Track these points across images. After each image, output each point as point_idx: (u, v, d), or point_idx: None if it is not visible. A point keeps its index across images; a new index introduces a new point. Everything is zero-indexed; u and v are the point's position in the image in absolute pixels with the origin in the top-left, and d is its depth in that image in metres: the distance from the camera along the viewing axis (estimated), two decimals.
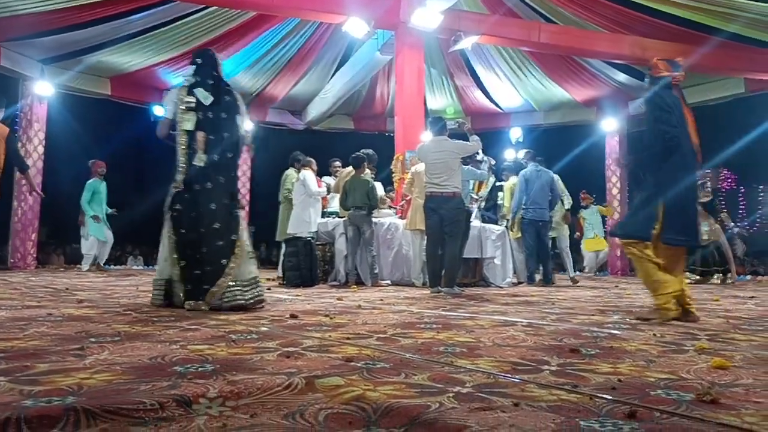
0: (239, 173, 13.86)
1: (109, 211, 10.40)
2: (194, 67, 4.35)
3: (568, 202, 9.36)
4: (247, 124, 4.49)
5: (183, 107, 4.14)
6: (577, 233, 12.69)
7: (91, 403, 1.46)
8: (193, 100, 4.15)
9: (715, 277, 9.35)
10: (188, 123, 4.11)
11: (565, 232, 9.35)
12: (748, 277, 12.01)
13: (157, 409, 1.47)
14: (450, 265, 6.26)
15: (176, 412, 1.47)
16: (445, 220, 6.23)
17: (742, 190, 26.16)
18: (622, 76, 12.56)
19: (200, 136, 4.10)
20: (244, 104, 4.46)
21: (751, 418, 1.50)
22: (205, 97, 4.19)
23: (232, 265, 4.03)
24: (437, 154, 6.36)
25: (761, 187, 26.09)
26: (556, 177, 8.83)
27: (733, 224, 9.90)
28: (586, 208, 12.78)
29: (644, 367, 2.16)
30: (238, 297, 4.01)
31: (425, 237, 7.31)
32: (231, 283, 3.99)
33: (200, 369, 1.95)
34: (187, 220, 4.06)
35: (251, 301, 4.10)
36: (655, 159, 3.81)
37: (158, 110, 12.52)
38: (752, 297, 6.21)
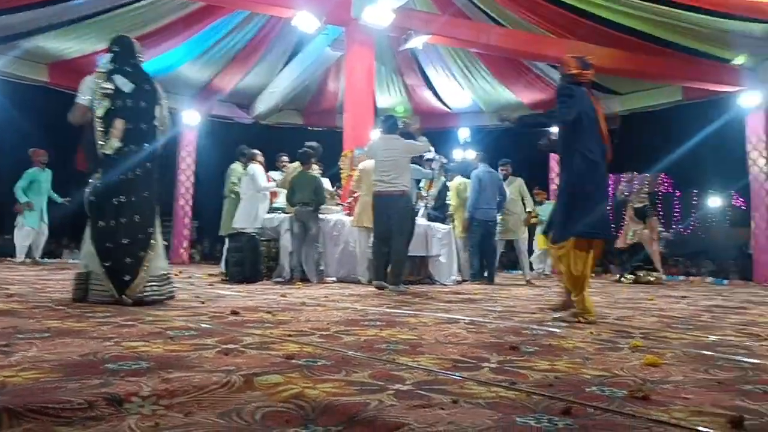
0: (183, 166, 13.73)
1: (60, 200, 10.04)
2: (111, 54, 4.26)
3: (530, 205, 9.52)
4: (165, 113, 4.37)
5: (100, 93, 4.04)
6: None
7: (15, 402, 1.40)
8: (111, 86, 4.06)
9: (642, 274, 9.36)
10: (103, 110, 4.03)
11: (523, 234, 9.45)
12: (681, 277, 12.48)
13: (86, 408, 1.41)
14: (396, 263, 6.28)
15: (106, 411, 1.42)
16: (393, 218, 6.25)
17: (678, 194, 27.16)
18: None
19: (119, 123, 4.02)
20: (164, 94, 4.38)
21: (680, 413, 1.55)
22: (124, 84, 4.11)
23: (149, 257, 3.98)
24: (387, 152, 6.35)
25: (695, 191, 27.15)
26: (519, 180, 9.05)
27: (662, 228, 10.21)
28: (540, 204, 12.67)
29: (580, 365, 2.21)
30: (156, 292, 3.98)
31: (372, 234, 7.33)
32: (149, 277, 3.95)
33: (134, 366, 1.89)
34: (109, 210, 3.97)
35: (166, 296, 4.08)
36: (564, 143, 3.95)
37: None
38: (684, 297, 6.45)
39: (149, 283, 3.93)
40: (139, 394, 1.54)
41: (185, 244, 14.11)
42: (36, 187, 9.81)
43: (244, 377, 1.76)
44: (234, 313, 3.55)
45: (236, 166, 8.77)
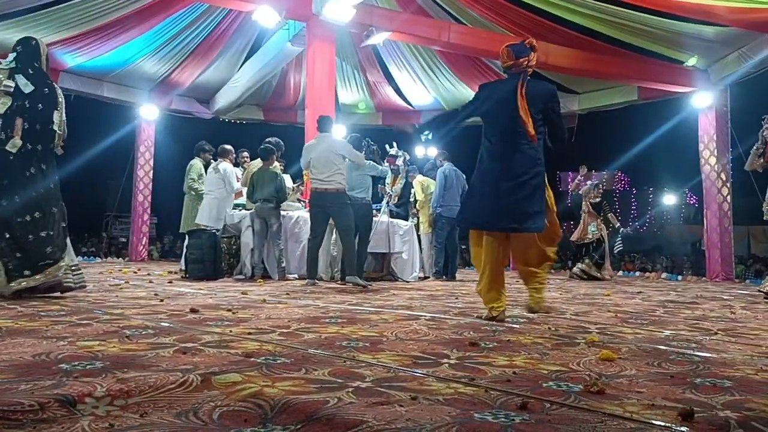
0: (141, 161, 13.46)
1: None
2: (14, 54, 4.28)
3: None
4: (64, 119, 4.41)
5: (2, 91, 4.09)
6: None
7: None
8: (12, 84, 4.10)
9: (585, 263, 9.35)
10: (3, 107, 4.08)
11: None
12: (637, 273, 12.78)
13: (37, 410, 1.38)
14: (349, 257, 6.47)
15: (58, 412, 1.39)
16: (332, 215, 6.50)
17: (634, 192, 27.80)
18: None
19: (19, 122, 4.07)
20: (62, 99, 4.41)
21: (633, 407, 1.59)
22: (25, 85, 4.15)
23: (59, 253, 4.17)
24: (321, 151, 6.50)
25: (651, 189, 27.83)
26: None
27: (619, 224, 10.40)
28: None
29: (538, 360, 2.25)
30: (69, 280, 4.20)
31: (333, 231, 7.31)
32: (62, 267, 4.13)
33: (88, 366, 1.86)
34: (7, 206, 4.03)
35: (77, 285, 4.28)
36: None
37: None
38: (640, 292, 6.61)
39: (65, 273, 4.14)
40: (93, 395, 1.51)
41: (144, 240, 13.84)
42: None
43: (201, 376, 1.74)
44: (193, 311, 3.50)
45: (196, 162, 8.64)
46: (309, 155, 6.60)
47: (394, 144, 9.16)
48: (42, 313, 3.20)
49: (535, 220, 3.68)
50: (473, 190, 3.88)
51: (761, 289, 5.33)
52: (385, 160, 9.08)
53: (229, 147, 8.10)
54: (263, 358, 2.10)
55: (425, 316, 3.66)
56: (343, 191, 6.50)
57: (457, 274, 8.76)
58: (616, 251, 10.47)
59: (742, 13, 8.60)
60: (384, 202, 8.56)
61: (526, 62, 3.83)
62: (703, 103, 10.79)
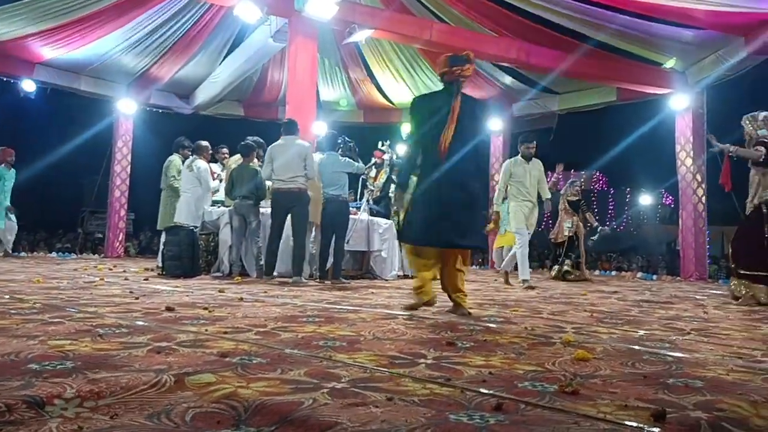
0: (119, 156, 13.30)
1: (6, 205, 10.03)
2: None
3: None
4: None
5: None
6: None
7: None
8: None
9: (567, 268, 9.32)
10: None
11: None
12: (614, 272, 12.90)
13: (4, 412, 1.35)
14: (297, 257, 6.67)
15: (26, 414, 1.36)
16: (291, 213, 6.68)
17: (612, 192, 28.09)
18: (508, 79, 13.05)
19: None
20: None
21: (606, 408, 1.60)
22: None
23: None
24: (284, 152, 6.66)
25: (628, 189, 28.13)
26: None
27: (597, 224, 10.39)
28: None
29: (514, 360, 2.26)
30: None
31: (314, 229, 7.29)
32: None
33: (59, 367, 1.82)
34: None
35: None
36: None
37: (27, 85, 11.63)
38: (615, 292, 6.68)
39: None
40: (62, 396, 1.48)
41: (121, 237, 13.69)
42: (1, 185, 9.90)
43: (175, 377, 1.72)
44: (169, 309, 3.46)
45: (175, 159, 8.55)
46: (273, 157, 6.75)
47: (387, 142, 9.16)
48: (12, 311, 3.14)
49: (476, 235, 3.90)
50: (417, 205, 3.84)
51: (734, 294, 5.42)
52: (373, 154, 9.07)
53: (205, 143, 7.98)
54: (239, 358, 2.08)
55: (403, 315, 3.66)
56: (305, 191, 6.71)
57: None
58: (589, 243, 10.48)
59: (719, 17, 8.72)
60: (364, 200, 8.55)
61: (459, 71, 3.90)
62: (680, 105, 10.92)
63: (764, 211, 5.23)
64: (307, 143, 7.01)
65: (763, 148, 5.29)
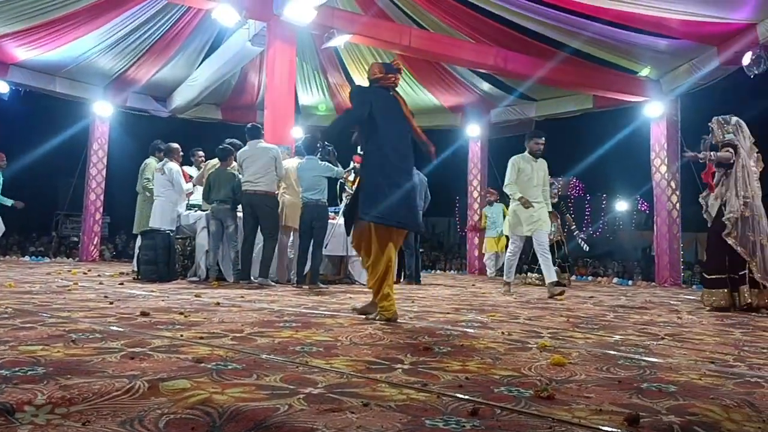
0: (95, 159, 13.13)
1: (10, 203, 9.67)
2: None
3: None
4: None
5: None
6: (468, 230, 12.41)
7: None
8: None
9: (533, 273, 9.22)
10: None
11: None
12: (590, 278, 13.03)
13: None
14: (265, 259, 6.81)
15: None
16: (258, 216, 6.82)
17: (588, 198, 28.35)
18: (485, 85, 13.15)
19: None
20: None
21: (581, 412, 1.61)
22: None
23: None
24: (254, 157, 6.85)
25: (604, 196, 28.43)
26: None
27: (574, 226, 10.31)
28: (490, 204, 11.96)
29: (491, 365, 2.26)
30: None
31: (293, 234, 7.27)
32: None
33: (29, 372, 1.79)
34: None
35: None
36: (363, 140, 4.06)
37: (1, 86, 11.45)
38: (591, 297, 6.75)
39: None
40: (32, 403, 1.46)
41: (96, 240, 13.50)
42: None
43: (149, 383, 1.70)
44: (144, 314, 3.42)
45: (151, 162, 8.47)
46: (242, 161, 6.94)
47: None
48: None
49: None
50: (380, 187, 3.86)
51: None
52: (353, 158, 9.05)
53: (175, 146, 7.87)
54: (214, 363, 2.06)
55: (380, 320, 3.66)
56: (272, 194, 6.86)
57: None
58: (585, 248, 10.48)
59: (693, 26, 8.89)
60: (343, 204, 8.53)
61: (393, 78, 4.10)
62: (655, 112, 11.09)
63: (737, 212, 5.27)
64: (273, 146, 7.17)
65: (731, 149, 5.36)
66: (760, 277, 5.11)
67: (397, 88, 4.14)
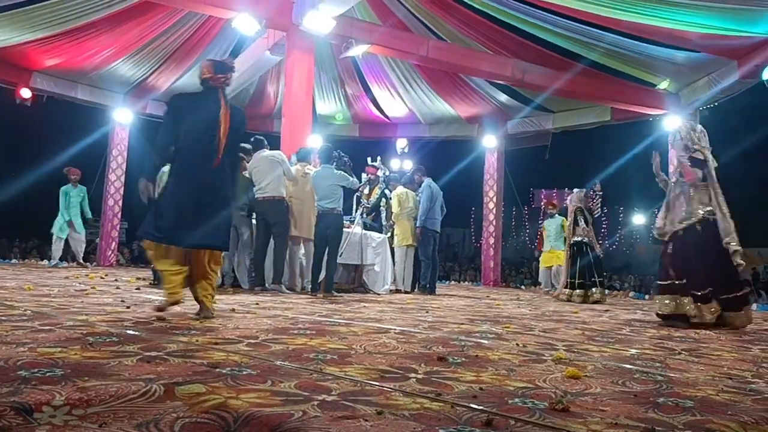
0: (114, 165, 13.28)
1: (89, 216, 11.21)
2: None
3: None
4: None
5: None
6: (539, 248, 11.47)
7: None
8: None
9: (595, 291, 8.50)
10: None
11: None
12: (607, 291, 12.88)
13: None
14: (277, 264, 6.86)
15: (14, 421, 1.36)
16: (270, 222, 6.87)
17: (605, 211, 28.17)
18: (503, 96, 13.15)
19: None
20: None
21: (596, 425, 1.60)
22: None
23: None
24: (258, 166, 6.98)
25: (622, 208, 28.25)
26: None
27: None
28: (551, 217, 11.02)
29: (505, 376, 2.25)
30: None
31: (305, 242, 7.29)
32: None
33: (48, 374, 1.81)
34: None
35: None
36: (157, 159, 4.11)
37: (24, 92, 11.64)
38: (607, 310, 6.69)
39: None
40: (51, 404, 1.48)
41: (113, 245, 13.64)
42: (66, 201, 10.92)
43: (165, 386, 1.72)
44: (160, 318, 3.45)
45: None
46: (252, 170, 7.05)
47: (378, 158, 9.17)
48: (2, 318, 3.12)
49: (222, 236, 3.99)
50: (167, 201, 3.89)
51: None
52: (366, 170, 9.09)
53: None
54: (229, 368, 2.07)
55: (395, 329, 3.66)
56: (280, 198, 6.87)
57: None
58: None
59: (712, 39, 8.84)
60: (358, 213, 8.55)
61: (223, 78, 4.05)
62: (674, 125, 10.99)
63: (698, 229, 5.03)
64: (276, 151, 7.27)
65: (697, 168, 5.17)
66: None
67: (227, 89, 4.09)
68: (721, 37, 8.66)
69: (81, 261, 11.29)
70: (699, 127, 5.45)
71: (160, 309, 3.76)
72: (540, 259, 11.52)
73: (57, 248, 11.10)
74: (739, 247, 4.92)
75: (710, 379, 2.45)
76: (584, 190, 9.34)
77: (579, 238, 8.80)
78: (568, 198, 9.46)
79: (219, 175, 3.91)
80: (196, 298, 3.85)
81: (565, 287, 8.74)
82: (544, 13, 9.57)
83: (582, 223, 8.89)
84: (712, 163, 5.21)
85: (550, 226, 11.00)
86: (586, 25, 9.49)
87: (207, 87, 4.05)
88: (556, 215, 10.95)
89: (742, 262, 4.92)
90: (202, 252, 3.89)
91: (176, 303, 3.83)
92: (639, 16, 8.55)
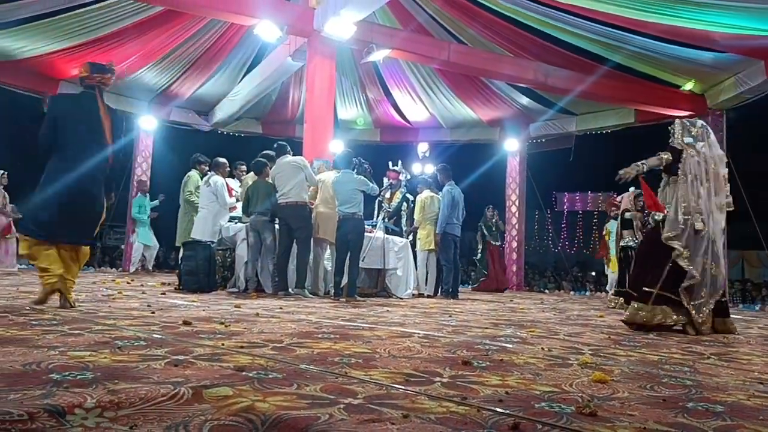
0: (139, 171, 13.47)
1: (157, 202, 12.06)
2: None
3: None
4: None
5: None
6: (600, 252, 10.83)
7: None
8: None
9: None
10: None
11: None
12: None
13: (26, 420, 1.37)
14: (300, 269, 6.93)
15: (47, 423, 1.38)
16: (292, 227, 6.94)
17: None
18: (524, 99, 13.09)
19: None
20: None
21: (625, 430, 1.58)
22: None
23: None
24: (281, 172, 7.06)
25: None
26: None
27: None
28: (616, 218, 9.51)
29: (531, 380, 2.24)
30: None
31: (330, 246, 7.32)
32: None
33: (79, 377, 1.84)
34: None
35: None
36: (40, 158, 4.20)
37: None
38: None
39: None
40: (82, 406, 1.50)
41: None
42: (143, 210, 11.84)
43: (192, 389, 1.73)
44: (186, 323, 3.49)
45: (193, 174, 8.64)
46: (275, 174, 7.13)
47: (399, 162, 9.17)
48: (34, 322, 3.18)
49: (90, 233, 4.29)
50: (48, 200, 4.07)
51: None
52: (387, 175, 9.08)
53: (222, 160, 8.09)
54: (255, 372, 2.09)
55: (418, 333, 3.65)
56: (303, 203, 6.97)
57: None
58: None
59: (739, 40, 8.71)
60: (380, 218, 8.56)
61: (99, 78, 4.26)
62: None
63: (681, 226, 4.69)
64: (299, 157, 7.33)
65: (668, 154, 4.93)
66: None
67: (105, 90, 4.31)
68: (747, 36, 8.53)
69: (149, 268, 12.22)
70: (699, 122, 5.09)
71: (40, 302, 4.11)
72: (608, 264, 10.52)
73: (137, 256, 12.07)
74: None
75: (740, 383, 2.41)
76: (637, 190, 8.82)
77: (626, 242, 8.42)
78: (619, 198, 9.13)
79: (97, 174, 4.20)
80: (64, 291, 4.12)
81: (617, 295, 8.05)
82: (568, 16, 9.51)
83: (630, 227, 8.55)
84: (697, 158, 4.84)
85: (614, 229, 9.88)
86: (611, 27, 9.41)
87: (85, 86, 4.30)
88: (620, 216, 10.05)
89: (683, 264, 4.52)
90: (75, 247, 4.23)
91: (53, 293, 4.13)
92: (665, 17, 8.46)
